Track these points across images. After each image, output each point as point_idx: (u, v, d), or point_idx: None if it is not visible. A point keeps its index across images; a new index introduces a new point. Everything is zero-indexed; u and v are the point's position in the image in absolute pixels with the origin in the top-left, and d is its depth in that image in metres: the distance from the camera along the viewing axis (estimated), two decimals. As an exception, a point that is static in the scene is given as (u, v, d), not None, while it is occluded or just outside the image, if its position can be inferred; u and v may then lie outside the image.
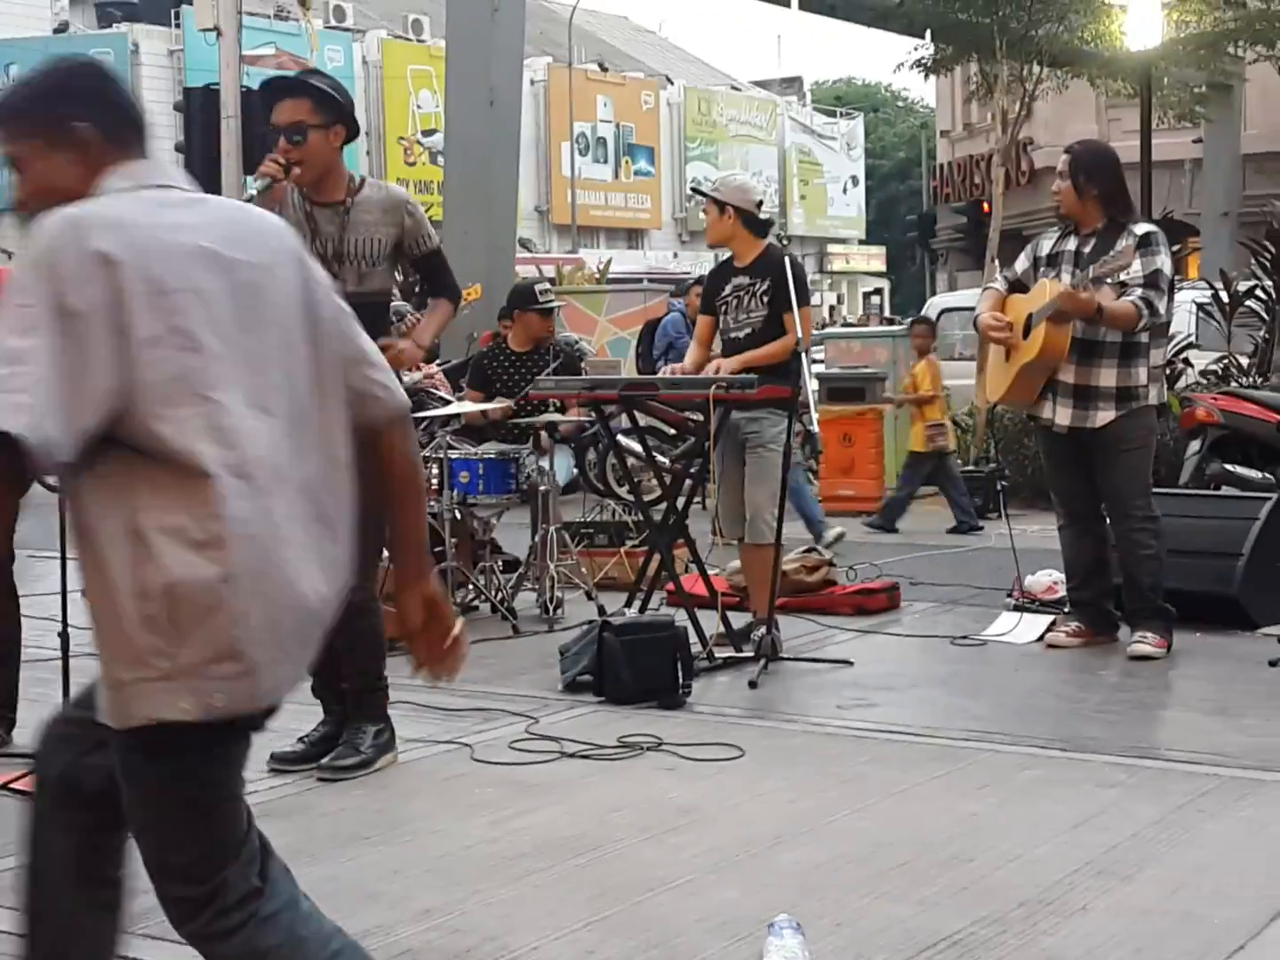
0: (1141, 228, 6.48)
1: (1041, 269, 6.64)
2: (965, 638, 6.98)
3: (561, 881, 3.95)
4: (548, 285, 9.35)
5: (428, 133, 40.83)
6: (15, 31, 37.74)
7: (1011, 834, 4.26)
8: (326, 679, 5.14)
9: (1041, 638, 6.89)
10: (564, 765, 5.03)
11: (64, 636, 4.69)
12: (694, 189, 7.02)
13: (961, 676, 6.38)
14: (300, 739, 5.09)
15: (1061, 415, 6.55)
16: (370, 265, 5.02)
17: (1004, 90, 15.34)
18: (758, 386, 6.31)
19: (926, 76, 17.66)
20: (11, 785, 4.65)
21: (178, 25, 37.24)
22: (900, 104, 71.97)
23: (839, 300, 54.65)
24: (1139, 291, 6.30)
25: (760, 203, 6.79)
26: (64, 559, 4.70)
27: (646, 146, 49.41)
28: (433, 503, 7.59)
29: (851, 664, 6.50)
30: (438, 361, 12.27)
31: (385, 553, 6.83)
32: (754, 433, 6.54)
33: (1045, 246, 6.71)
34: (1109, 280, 6.24)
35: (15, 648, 5.33)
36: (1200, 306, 13.17)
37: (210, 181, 16.41)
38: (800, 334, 6.33)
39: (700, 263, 43.37)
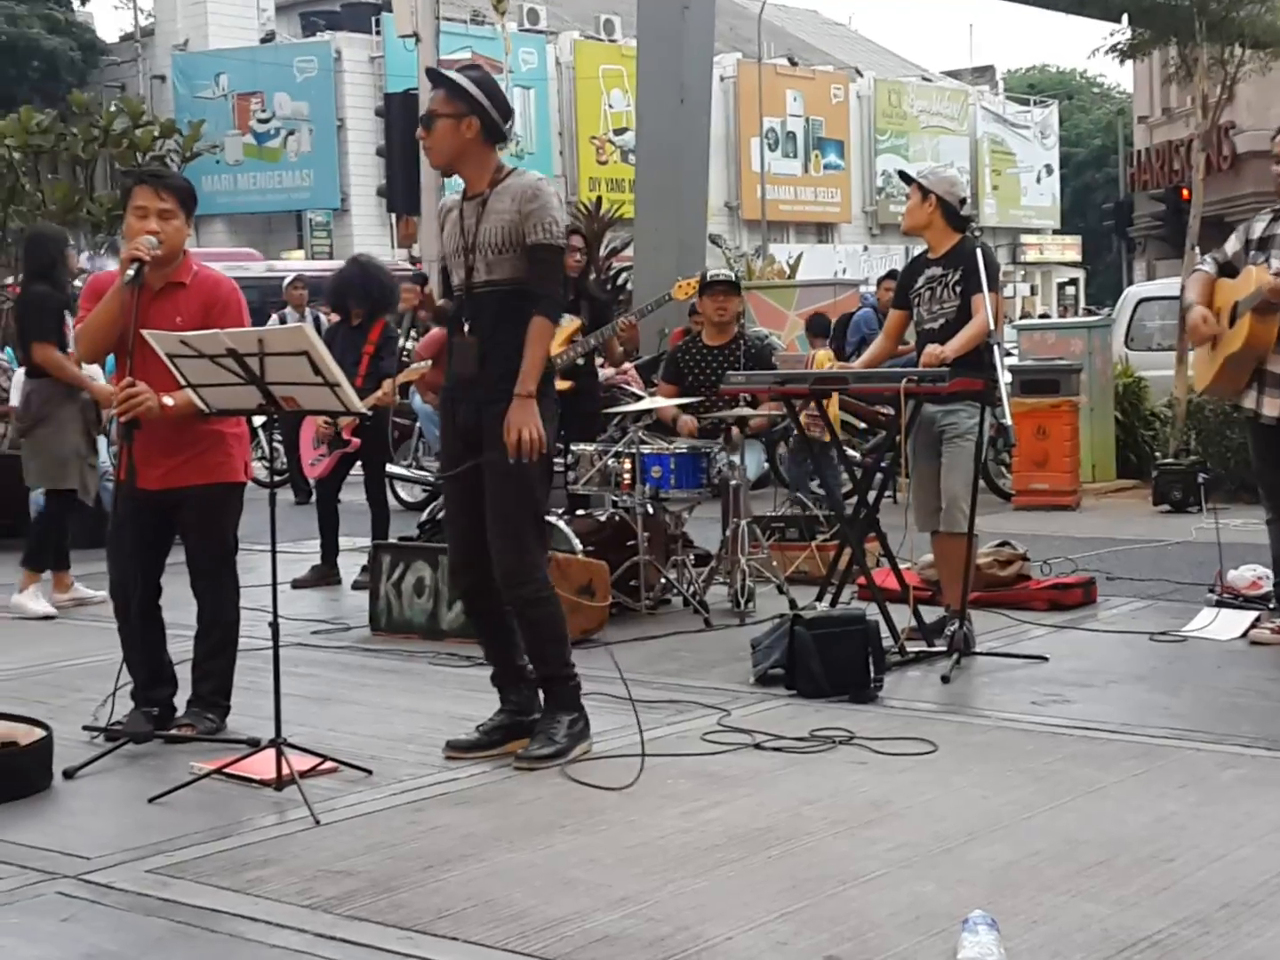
0: None
1: (1252, 252, 6.47)
2: (1165, 634, 6.84)
3: (754, 873, 3.98)
4: (726, 271, 9.45)
5: (619, 131, 41.15)
6: (225, 42, 38.98)
7: (1213, 834, 4.18)
8: (505, 669, 5.25)
9: (1245, 634, 6.72)
10: (756, 758, 5.07)
11: (274, 626, 4.85)
12: (901, 174, 7.02)
13: (1161, 673, 6.26)
14: (476, 727, 5.20)
15: (1269, 406, 6.38)
16: (498, 253, 5.04)
17: (1204, 74, 14.93)
18: (950, 379, 6.27)
19: (1123, 61, 17.24)
20: (226, 770, 4.84)
21: (378, 32, 38.10)
22: (1096, 90, 70.42)
23: (1033, 291, 53.69)
24: None
25: (964, 200, 6.77)
26: (274, 551, 4.88)
27: (836, 140, 49.12)
28: (625, 497, 7.69)
29: (1046, 660, 6.42)
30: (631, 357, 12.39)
31: (580, 545, 6.93)
32: (951, 424, 6.51)
33: (1257, 229, 6.53)
34: None
35: (234, 637, 5.55)
36: None
37: (410, 183, 16.77)
38: (991, 318, 6.26)
39: (890, 256, 42.99)
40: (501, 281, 5.04)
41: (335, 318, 9.38)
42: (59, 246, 8.35)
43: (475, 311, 5.11)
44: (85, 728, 5.41)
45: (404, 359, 10.03)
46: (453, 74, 5.14)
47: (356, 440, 8.68)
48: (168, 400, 5.18)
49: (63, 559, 8.40)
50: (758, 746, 5.17)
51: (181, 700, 5.56)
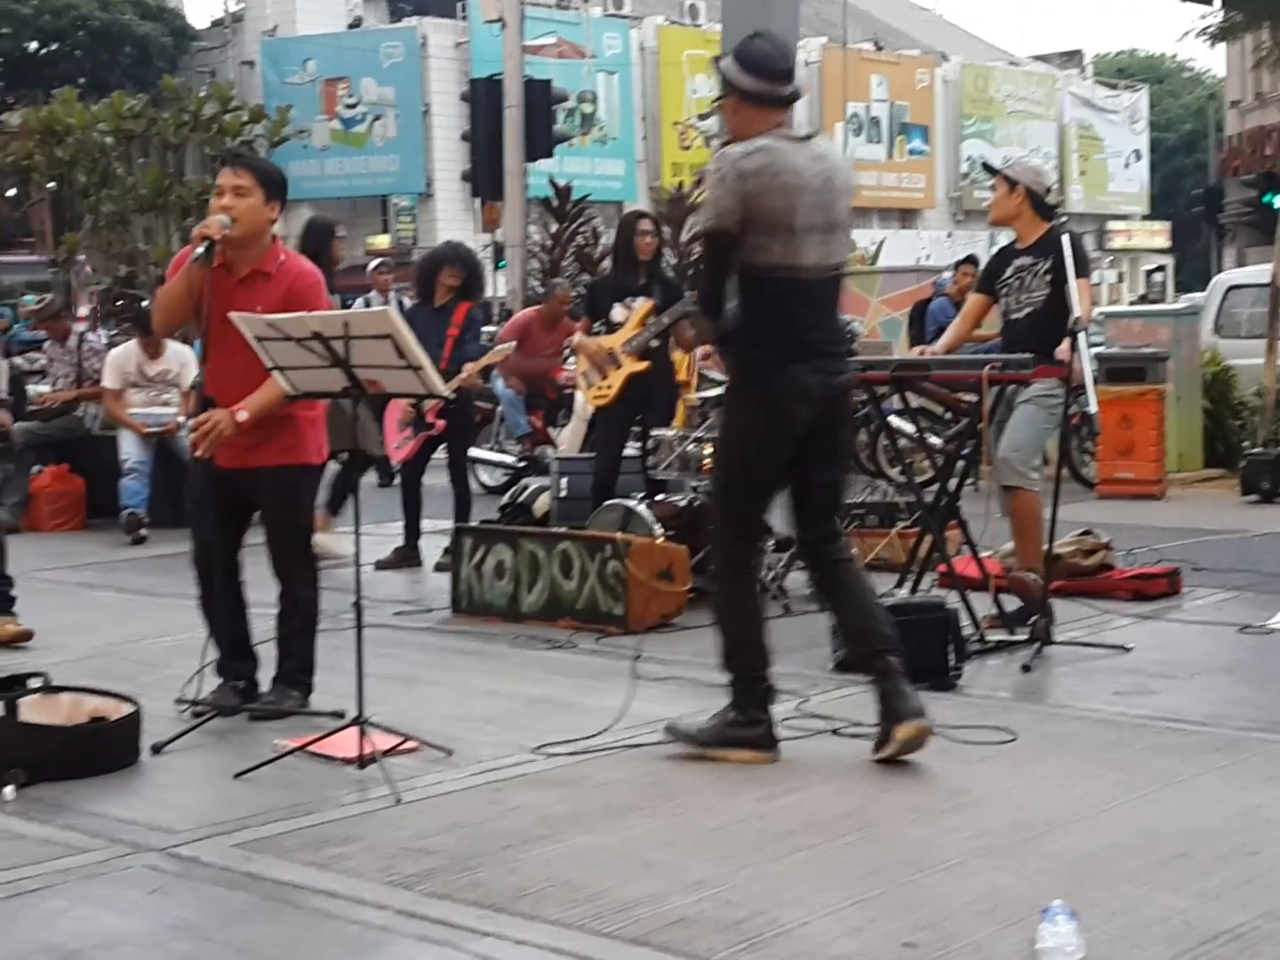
0: None
1: None
2: (1253, 626, 6.76)
3: (830, 859, 3.99)
4: None
5: (702, 116, 41.04)
6: (313, 28, 39.30)
7: (1298, 827, 4.14)
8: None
9: (1334, 627, 6.63)
10: (834, 744, 5.07)
11: (358, 607, 4.90)
12: (985, 166, 7.03)
13: (1246, 666, 6.19)
14: None
15: None
16: None
17: (1298, 58, 14.68)
18: (1033, 366, 6.23)
19: (1214, 44, 17.02)
20: (309, 748, 4.91)
21: (464, 17, 38.26)
22: (1186, 74, 69.46)
23: (1120, 278, 53.08)
24: None
25: (1050, 189, 6.74)
26: (357, 532, 4.93)
27: (921, 125, 48.77)
28: (705, 482, 7.69)
29: (1129, 650, 6.36)
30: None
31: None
32: (1019, 391, 6.54)
33: None
34: None
35: (314, 616, 5.62)
36: None
37: (494, 168, 16.85)
38: (1078, 308, 6.20)
39: (974, 243, 42.64)
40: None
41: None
42: (326, 235, 8.85)
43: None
44: (177, 700, 5.51)
45: (486, 342, 10.09)
46: (721, 62, 5.02)
47: (441, 423, 8.74)
48: (241, 415, 5.23)
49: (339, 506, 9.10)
50: (835, 733, 5.16)
51: (265, 678, 5.64)
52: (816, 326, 4.91)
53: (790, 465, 4.97)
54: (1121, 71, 63.84)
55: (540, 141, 17.56)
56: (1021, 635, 6.38)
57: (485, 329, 11.30)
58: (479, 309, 9.32)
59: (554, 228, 22.46)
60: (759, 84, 4.91)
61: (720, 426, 5.14)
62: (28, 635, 6.71)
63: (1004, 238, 6.97)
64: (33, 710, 4.96)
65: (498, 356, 9.10)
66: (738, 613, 5.01)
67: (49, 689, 5.12)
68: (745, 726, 4.91)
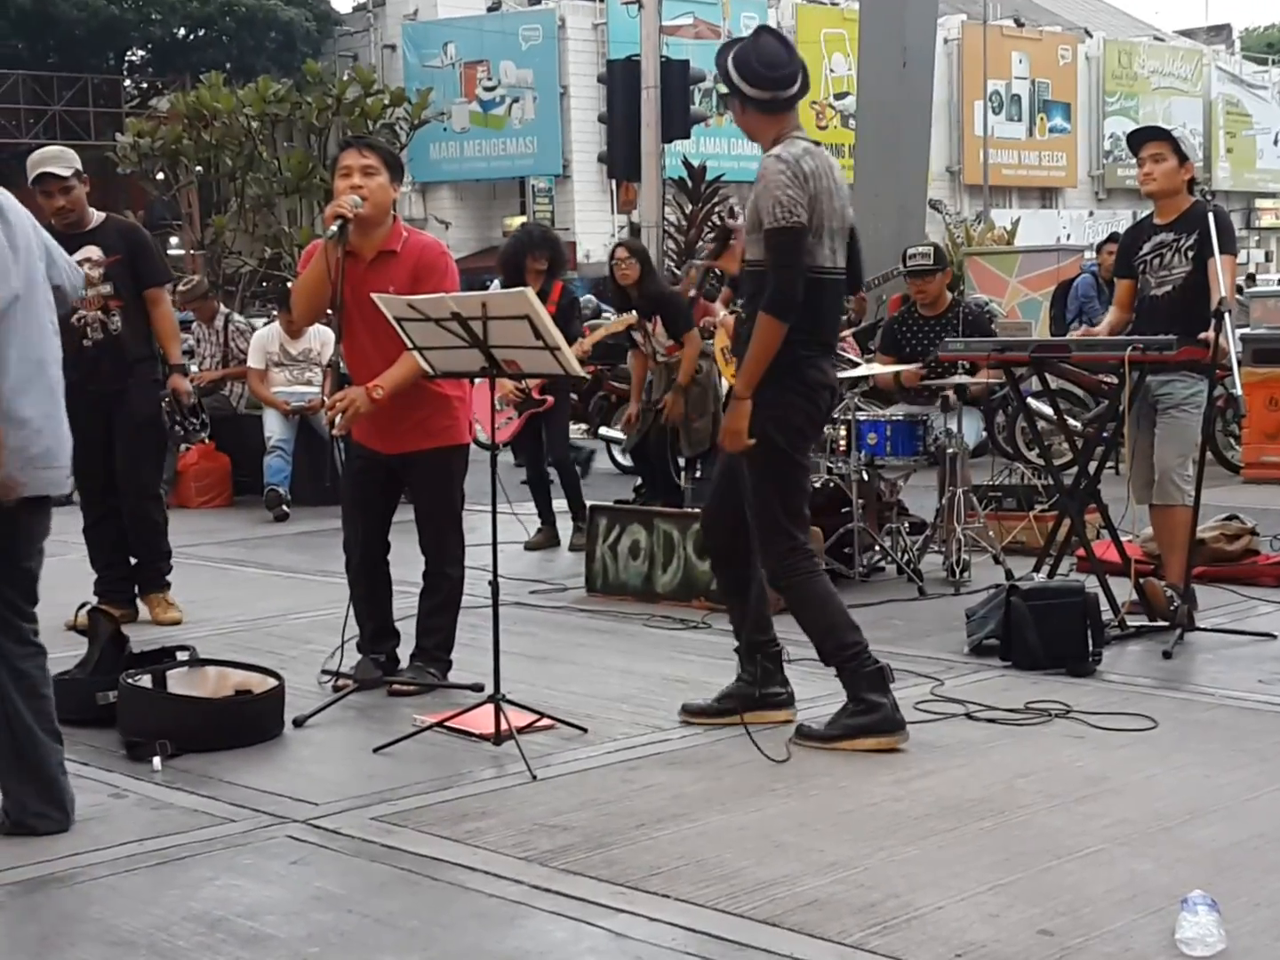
0: None
1: None
2: (1403, 615, 6.59)
3: (966, 844, 3.96)
4: (923, 250, 8.82)
5: (840, 96, 40.76)
6: (453, 11, 39.63)
7: None
8: (738, 637, 5.24)
9: None
10: (969, 728, 5.03)
11: (494, 585, 4.95)
12: (1153, 128, 6.66)
13: (1398, 656, 6.03)
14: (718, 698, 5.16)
15: None
16: (749, 233, 4.98)
17: None
18: (1178, 347, 6.10)
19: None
20: (446, 724, 4.98)
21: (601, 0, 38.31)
22: (1341, 47, 67.37)
23: (1267, 257, 51.80)
24: None
25: None
26: (494, 512, 4.98)
27: (1063, 103, 47.97)
28: (840, 463, 7.66)
29: (1275, 637, 6.23)
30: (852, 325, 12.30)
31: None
32: (1166, 394, 6.36)
33: None
34: None
35: (459, 593, 5.70)
36: None
37: (631, 150, 16.86)
38: (1224, 286, 6.06)
39: (1116, 221, 41.87)
40: (753, 262, 4.95)
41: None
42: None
43: (742, 290, 5.19)
44: (323, 670, 5.63)
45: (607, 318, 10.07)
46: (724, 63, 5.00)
47: (550, 399, 8.69)
48: (377, 392, 5.31)
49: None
50: (970, 716, 5.13)
51: (404, 654, 5.72)
52: (834, 325, 5.16)
53: None
54: (1271, 46, 62.25)
55: (677, 122, 17.54)
56: (1162, 621, 6.27)
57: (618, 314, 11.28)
58: (571, 285, 9.25)
59: (689, 208, 22.44)
60: (760, 93, 4.95)
61: (754, 420, 4.85)
62: (178, 621, 6.87)
63: (1143, 216, 6.79)
64: (180, 683, 5.10)
65: (619, 326, 9.07)
66: (812, 600, 4.96)
67: (196, 662, 5.26)
68: (862, 714, 4.86)
